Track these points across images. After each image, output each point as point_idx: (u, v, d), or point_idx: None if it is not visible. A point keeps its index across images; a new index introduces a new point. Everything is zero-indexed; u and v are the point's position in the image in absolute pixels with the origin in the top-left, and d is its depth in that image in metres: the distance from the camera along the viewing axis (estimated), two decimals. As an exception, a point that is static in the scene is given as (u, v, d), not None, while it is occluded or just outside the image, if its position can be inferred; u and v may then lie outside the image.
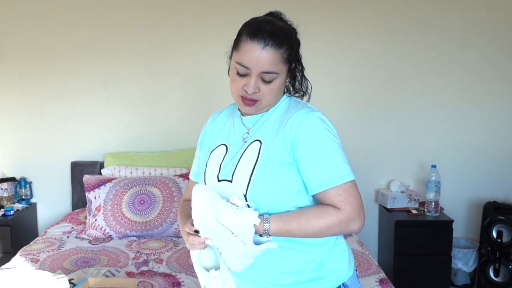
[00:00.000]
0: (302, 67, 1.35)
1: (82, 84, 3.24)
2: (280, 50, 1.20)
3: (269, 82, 1.22)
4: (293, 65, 1.29)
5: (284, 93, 1.34)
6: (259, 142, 1.26)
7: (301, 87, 1.35)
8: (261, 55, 1.18)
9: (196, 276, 2.21)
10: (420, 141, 3.29)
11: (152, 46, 3.21)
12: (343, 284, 1.28)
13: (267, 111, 1.31)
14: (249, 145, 1.28)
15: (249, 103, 1.25)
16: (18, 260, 2.40)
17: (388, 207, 3.13)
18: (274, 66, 1.20)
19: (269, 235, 1.16)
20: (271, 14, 1.31)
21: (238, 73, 1.23)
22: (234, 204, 1.15)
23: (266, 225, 1.15)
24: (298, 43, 1.31)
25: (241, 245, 1.13)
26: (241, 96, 1.25)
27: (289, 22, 1.31)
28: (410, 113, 3.27)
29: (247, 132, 1.32)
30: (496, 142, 3.28)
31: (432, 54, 3.21)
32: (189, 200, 1.45)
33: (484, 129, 3.27)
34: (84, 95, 3.25)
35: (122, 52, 3.21)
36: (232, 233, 1.12)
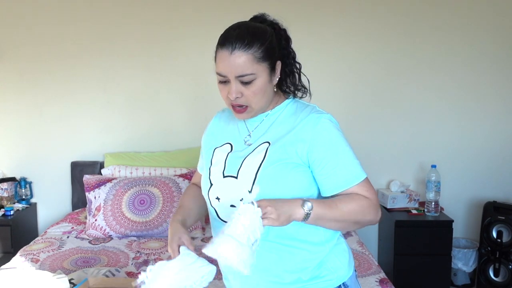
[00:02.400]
0: (296, 62, 1.33)
1: (82, 84, 3.24)
2: (250, 50, 1.20)
3: (248, 83, 1.22)
4: (277, 62, 1.27)
5: (287, 94, 1.34)
6: (267, 144, 1.27)
7: (298, 84, 1.34)
8: (231, 60, 1.20)
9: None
10: (420, 141, 3.28)
11: (153, 46, 3.21)
12: (343, 283, 1.29)
13: (272, 110, 1.31)
14: (256, 147, 1.28)
15: (239, 109, 1.26)
16: (18, 260, 2.40)
17: (388, 207, 3.13)
18: (247, 68, 1.20)
19: (309, 213, 1.15)
20: (254, 18, 1.32)
21: (220, 82, 1.25)
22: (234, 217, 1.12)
23: (306, 206, 1.15)
24: (286, 39, 1.30)
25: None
26: (231, 105, 1.27)
27: (275, 21, 1.31)
28: (410, 113, 3.27)
29: (249, 135, 1.32)
30: (497, 142, 3.28)
31: (433, 53, 3.21)
32: (196, 185, 1.49)
33: (485, 129, 3.27)
34: (84, 95, 3.25)
35: (122, 52, 3.21)
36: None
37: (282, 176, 1.23)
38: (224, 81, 1.24)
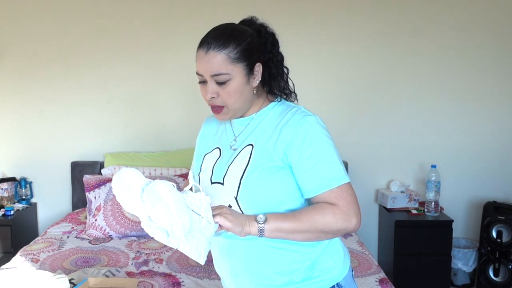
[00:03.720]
0: (283, 67, 1.32)
1: (82, 84, 3.25)
2: (224, 50, 1.21)
3: (223, 84, 1.23)
4: (256, 64, 1.26)
5: (274, 96, 1.33)
6: (251, 146, 1.27)
7: (285, 87, 1.33)
8: (205, 59, 1.22)
9: (196, 276, 2.22)
10: (420, 141, 3.28)
11: (153, 46, 3.21)
12: (337, 284, 1.28)
13: (256, 113, 1.30)
14: (241, 150, 1.28)
15: (216, 110, 1.27)
16: (18, 260, 2.40)
17: (388, 207, 3.13)
18: (221, 67, 1.21)
19: (263, 226, 1.17)
20: (242, 21, 1.33)
21: (199, 82, 1.27)
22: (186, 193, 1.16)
23: (259, 218, 1.17)
24: (272, 43, 1.29)
25: (207, 226, 1.13)
26: (209, 105, 1.28)
27: (264, 25, 1.31)
28: (410, 113, 3.27)
29: (235, 140, 1.32)
30: (496, 142, 3.28)
31: (433, 53, 3.21)
32: None
33: (484, 129, 3.27)
34: (84, 95, 3.25)
35: (123, 52, 3.22)
36: (201, 217, 1.13)
37: (266, 180, 1.22)
38: (203, 81, 1.26)
